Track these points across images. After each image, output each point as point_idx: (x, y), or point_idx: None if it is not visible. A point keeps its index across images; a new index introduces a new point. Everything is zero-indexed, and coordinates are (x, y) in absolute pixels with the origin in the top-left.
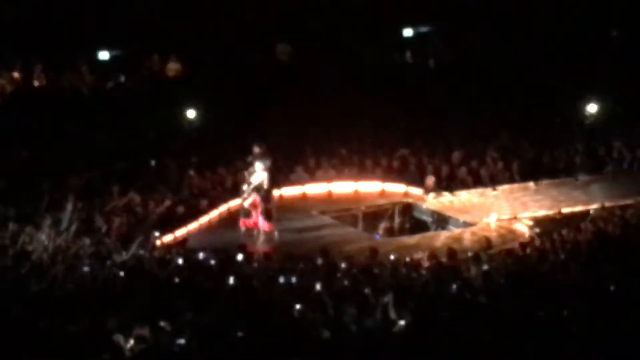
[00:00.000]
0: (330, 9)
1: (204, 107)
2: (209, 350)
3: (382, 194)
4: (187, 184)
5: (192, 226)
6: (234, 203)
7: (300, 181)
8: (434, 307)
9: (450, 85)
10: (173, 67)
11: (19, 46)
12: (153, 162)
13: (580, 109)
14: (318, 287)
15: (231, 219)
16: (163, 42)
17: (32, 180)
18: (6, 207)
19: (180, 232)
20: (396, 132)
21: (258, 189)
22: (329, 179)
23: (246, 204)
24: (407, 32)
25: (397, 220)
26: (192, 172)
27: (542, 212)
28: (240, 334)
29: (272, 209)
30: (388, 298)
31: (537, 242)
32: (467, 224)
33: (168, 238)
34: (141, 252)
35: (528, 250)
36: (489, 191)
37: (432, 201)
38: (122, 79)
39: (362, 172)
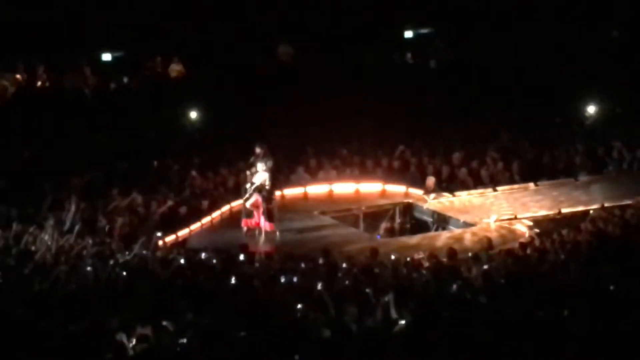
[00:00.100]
0: (331, 10)
1: (205, 107)
2: (211, 349)
3: (383, 194)
4: (189, 185)
5: (194, 226)
6: (235, 203)
7: (301, 182)
8: (434, 307)
9: (451, 86)
10: (175, 68)
11: (22, 47)
12: (155, 163)
13: (581, 109)
14: (319, 287)
15: (233, 219)
16: (165, 43)
17: (35, 181)
18: (9, 207)
19: (183, 233)
20: (396, 133)
21: (260, 189)
22: (330, 180)
23: (248, 204)
24: (408, 34)
25: (397, 220)
26: (194, 173)
27: (542, 213)
28: (241, 333)
29: (273, 209)
30: (389, 298)
31: (537, 242)
32: (467, 225)
33: (170, 238)
34: (143, 252)
35: (528, 251)
36: (489, 191)
37: (433, 201)
38: (125, 80)
39: (363, 173)
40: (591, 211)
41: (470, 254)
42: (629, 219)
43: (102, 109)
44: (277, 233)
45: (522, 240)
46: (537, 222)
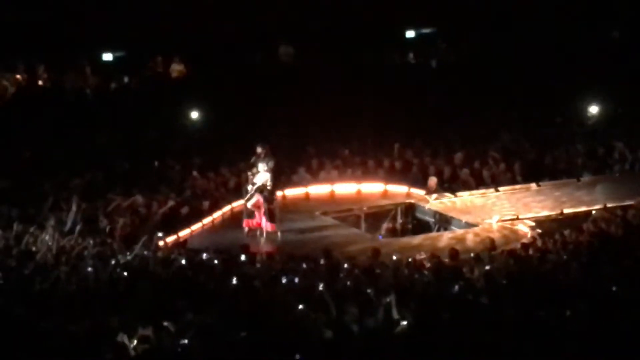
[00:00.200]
0: (332, 10)
1: (206, 107)
2: (212, 350)
3: (385, 194)
4: (190, 185)
5: (195, 227)
6: (237, 204)
7: (302, 182)
8: (436, 308)
9: (452, 86)
10: (176, 68)
11: (22, 47)
12: (156, 163)
13: (581, 109)
14: (320, 287)
15: (234, 219)
16: (166, 43)
17: (35, 181)
18: (10, 207)
19: (184, 233)
20: (397, 133)
21: (261, 189)
22: (331, 180)
23: (249, 204)
24: (410, 34)
25: (399, 221)
26: (195, 173)
27: (544, 213)
28: (242, 334)
29: (275, 210)
30: (390, 298)
31: (539, 243)
32: (469, 225)
33: (171, 239)
34: (145, 252)
35: (530, 251)
36: (491, 192)
37: (435, 202)
38: (125, 79)
39: (364, 173)
40: (593, 212)
41: (472, 255)
42: (631, 220)
43: (103, 109)
44: (279, 233)
45: (524, 240)
46: (539, 222)
